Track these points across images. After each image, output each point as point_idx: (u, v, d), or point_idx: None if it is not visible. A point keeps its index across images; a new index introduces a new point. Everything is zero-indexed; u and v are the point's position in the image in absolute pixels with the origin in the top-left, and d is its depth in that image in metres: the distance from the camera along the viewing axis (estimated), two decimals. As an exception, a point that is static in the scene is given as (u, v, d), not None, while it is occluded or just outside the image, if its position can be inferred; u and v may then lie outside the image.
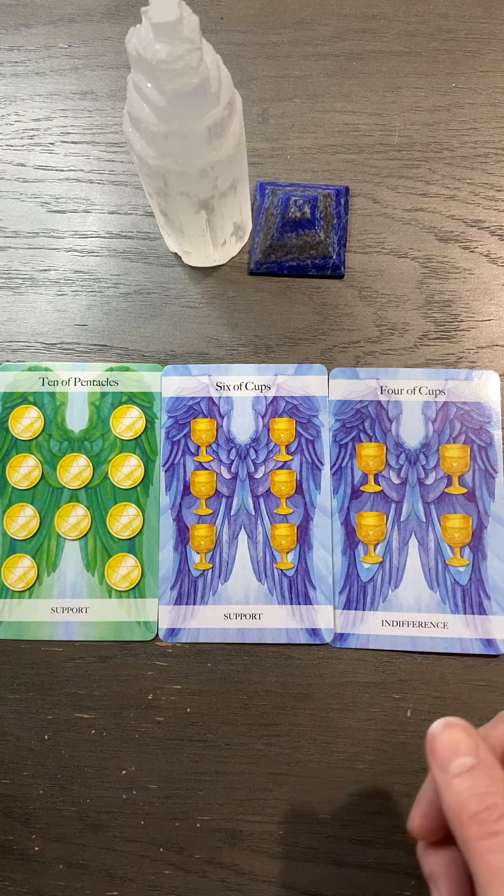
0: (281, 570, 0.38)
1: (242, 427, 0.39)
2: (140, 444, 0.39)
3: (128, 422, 0.40)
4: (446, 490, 0.38)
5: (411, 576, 0.37)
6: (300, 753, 0.36)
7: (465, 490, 0.38)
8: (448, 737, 0.23)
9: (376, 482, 0.38)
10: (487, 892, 0.20)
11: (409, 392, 0.39)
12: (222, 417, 0.39)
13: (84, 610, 0.38)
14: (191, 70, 0.27)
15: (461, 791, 0.22)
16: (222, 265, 0.42)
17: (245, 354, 0.40)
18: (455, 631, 0.37)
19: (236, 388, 0.40)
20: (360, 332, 0.40)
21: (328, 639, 0.37)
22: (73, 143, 0.44)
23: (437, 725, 0.23)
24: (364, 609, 0.37)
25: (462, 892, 0.23)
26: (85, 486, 0.39)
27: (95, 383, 0.40)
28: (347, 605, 0.37)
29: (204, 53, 0.27)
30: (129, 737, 0.36)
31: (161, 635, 0.37)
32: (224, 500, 0.39)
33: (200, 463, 0.39)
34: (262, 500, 0.39)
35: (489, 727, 0.24)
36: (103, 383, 0.40)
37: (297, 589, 0.37)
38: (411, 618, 0.37)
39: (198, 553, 0.38)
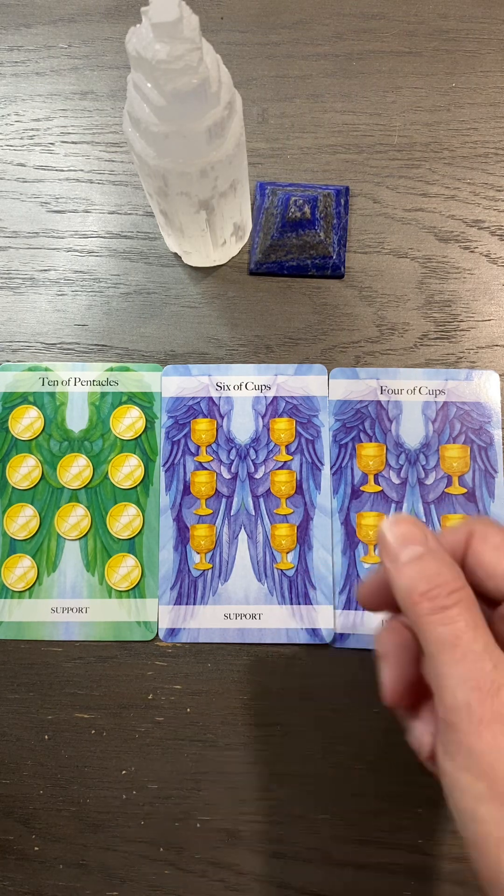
0: (281, 570, 0.38)
1: (242, 427, 0.39)
2: (140, 444, 0.39)
3: (128, 422, 0.40)
4: (446, 490, 0.38)
5: (411, 576, 0.37)
6: (300, 753, 0.36)
7: (465, 490, 0.38)
8: (398, 529, 0.24)
9: (376, 482, 0.38)
10: (436, 661, 0.22)
11: (409, 392, 0.39)
12: (222, 417, 0.39)
13: (84, 610, 0.38)
14: (191, 70, 0.27)
15: (412, 575, 0.23)
16: (222, 265, 0.42)
17: (245, 354, 0.40)
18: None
19: (236, 388, 0.40)
20: (360, 332, 0.40)
21: (328, 639, 0.37)
22: (73, 143, 0.44)
23: (387, 521, 0.24)
24: (365, 609, 0.37)
25: (408, 667, 0.25)
26: (85, 486, 0.39)
27: (95, 383, 0.40)
28: (348, 605, 0.37)
29: (204, 53, 0.27)
30: (129, 737, 0.36)
31: (161, 635, 0.37)
32: (224, 500, 0.39)
33: (200, 463, 0.39)
34: (262, 500, 0.39)
35: (439, 535, 0.25)
36: (103, 383, 0.40)
37: (297, 589, 0.37)
38: (411, 618, 0.37)
39: (198, 553, 0.38)
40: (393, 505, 0.38)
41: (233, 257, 0.42)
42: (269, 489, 0.39)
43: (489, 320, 0.40)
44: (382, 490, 0.38)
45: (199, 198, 0.33)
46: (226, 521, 0.38)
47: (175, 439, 0.39)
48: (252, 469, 0.39)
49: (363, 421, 0.39)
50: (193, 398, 0.40)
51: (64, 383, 0.40)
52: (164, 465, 0.39)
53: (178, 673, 0.37)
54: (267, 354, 0.40)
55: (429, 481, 0.38)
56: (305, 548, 0.38)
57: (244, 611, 0.37)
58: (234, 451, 0.39)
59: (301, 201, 0.40)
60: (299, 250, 0.40)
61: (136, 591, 0.38)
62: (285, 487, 0.38)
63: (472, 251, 0.41)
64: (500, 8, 0.45)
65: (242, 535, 0.38)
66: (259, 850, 0.35)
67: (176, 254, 0.42)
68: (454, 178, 0.43)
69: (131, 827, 0.36)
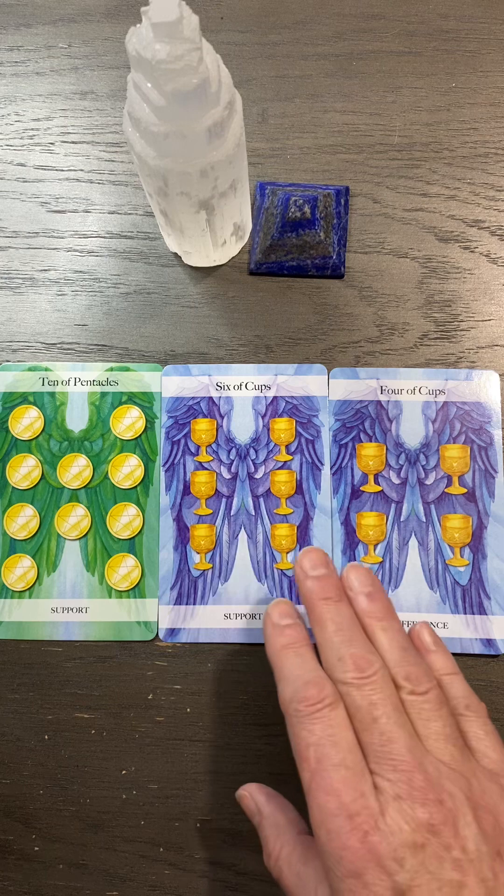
0: (281, 570, 0.38)
1: (242, 427, 0.39)
2: (140, 444, 0.39)
3: (128, 422, 0.40)
4: (446, 490, 0.38)
5: (411, 576, 0.37)
6: (300, 753, 0.36)
7: (465, 490, 0.38)
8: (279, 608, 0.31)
9: (376, 482, 0.38)
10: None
11: (409, 392, 0.39)
12: (222, 417, 0.39)
13: (84, 610, 0.38)
14: (191, 70, 0.27)
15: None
16: (222, 265, 0.42)
17: (245, 354, 0.40)
18: (455, 631, 0.37)
19: (236, 388, 0.40)
20: (360, 332, 0.40)
21: (328, 639, 0.37)
22: (73, 143, 0.44)
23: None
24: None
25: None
26: (85, 486, 0.39)
27: (95, 383, 0.40)
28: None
29: (204, 53, 0.27)
30: (129, 737, 0.36)
31: (161, 635, 0.37)
32: (224, 500, 0.39)
33: (200, 463, 0.39)
34: (262, 500, 0.39)
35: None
36: (103, 383, 0.40)
37: (296, 589, 0.37)
38: (412, 618, 0.37)
39: (198, 553, 0.38)
40: (393, 505, 0.38)
41: (233, 257, 0.42)
42: (269, 489, 0.39)
43: (489, 320, 0.40)
44: (382, 490, 0.38)
45: (199, 198, 0.33)
46: (226, 521, 0.38)
47: (175, 439, 0.39)
48: (252, 469, 0.39)
49: (363, 421, 0.39)
50: (193, 398, 0.40)
51: (64, 383, 0.40)
52: (164, 465, 0.39)
53: (178, 673, 0.37)
54: (267, 354, 0.40)
55: (429, 481, 0.38)
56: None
57: (244, 611, 0.37)
58: (234, 451, 0.39)
59: (301, 201, 0.40)
60: (299, 250, 0.40)
61: (136, 591, 0.38)
62: (285, 487, 0.38)
63: (472, 251, 0.41)
64: (500, 8, 0.45)
65: (242, 535, 0.38)
66: (259, 850, 0.35)
67: (176, 254, 0.42)
68: (454, 178, 0.43)
69: (131, 827, 0.36)
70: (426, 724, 0.26)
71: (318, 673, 0.28)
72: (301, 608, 0.31)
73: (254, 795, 0.31)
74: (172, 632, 0.37)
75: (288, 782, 0.36)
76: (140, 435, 0.40)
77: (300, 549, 0.38)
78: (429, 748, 0.26)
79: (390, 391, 0.39)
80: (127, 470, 0.39)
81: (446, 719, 0.27)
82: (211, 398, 0.40)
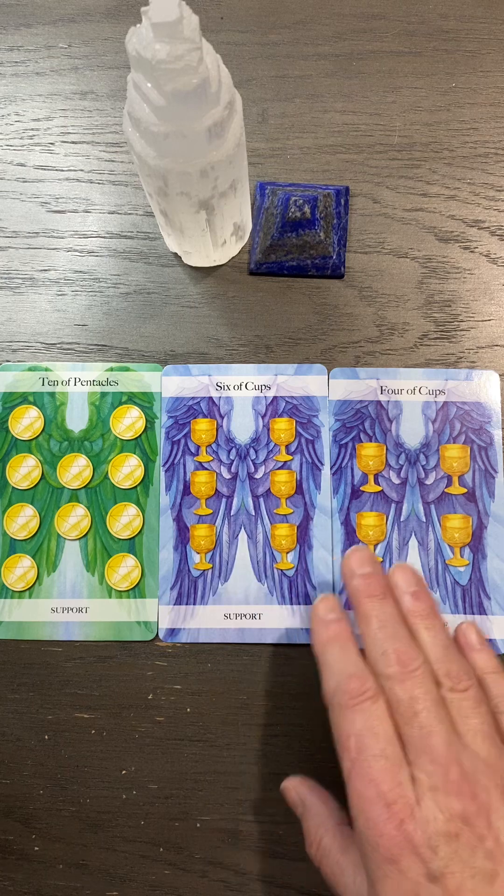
0: (281, 570, 0.38)
1: (242, 427, 0.39)
2: (140, 444, 0.39)
3: (128, 422, 0.40)
4: (446, 490, 0.38)
5: (411, 576, 0.37)
6: (300, 753, 0.36)
7: (465, 490, 0.38)
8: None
9: (376, 482, 0.38)
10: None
11: (409, 392, 0.39)
12: (222, 417, 0.39)
13: (84, 610, 0.38)
14: (191, 70, 0.27)
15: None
16: (222, 265, 0.42)
17: (245, 354, 0.40)
18: (455, 631, 0.37)
19: (236, 388, 0.40)
20: (360, 332, 0.40)
21: (328, 639, 0.37)
22: (73, 143, 0.44)
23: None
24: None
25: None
26: (85, 486, 0.39)
27: (95, 383, 0.40)
28: (348, 606, 0.37)
29: (204, 53, 0.27)
30: (129, 737, 0.36)
31: (161, 635, 0.37)
32: (224, 500, 0.39)
33: (200, 463, 0.39)
34: (262, 500, 0.39)
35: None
36: (103, 383, 0.40)
37: (297, 589, 0.37)
38: (411, 618, 0.37)
39: (198, 553, 0.38)
40: (393, 505, 0.38)
41: (233, 257, 0.42)
42: (269, 489, 0.39)
43: (489, 320, 0.40)
44: (382, 490, 0.38)
45: (199, 198, 0.33)
46: (226, 521, 0.38)
47: (175, 439, 0.39)
48: (252, 469, 0.39)
49: (363, 421, 0.39)
50: (193, 398, 0.40)
51: (64, 383, 0.40)
52: (164, 465, 0.39)
53: (178, 673, 0.37)
54: (267, 354, 0.40)
55: (429, 481, 0.38)
56: (305, 548, 0.38)
57: (244, 611, 0.37)
58: (234, 451, 0.39)
59: (301, 201, 0.40)
60: (299, 250, 0.40)
61: (136, 591, 0.38)
62: (285, 487, 0.38)
63: (472, 251, 0.41)
64: (500, 8, 0.45)
65: (242, 535, 0.38)
66: (259, 850, 0.35)
67: (176, 254, 0.42)
68: (454, 178, 0.43)
69: (131, 827, 0.36)
70: (465, 720, 0.27)
71: (360, 666, 0.29)
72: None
73: (297, 788, 0.31)
74: (172, 632, 0.37)
75: (288, 782, 0.36)
76: (140, 435, 0.40)
77: (300, 549, 0.38)
78: (466, 743, 0.27)
79: (390, 391, 0.39)
80: (127, 470, 0.39)
81: (485, 716, 0.28)
82: (211, 398, 0.40)
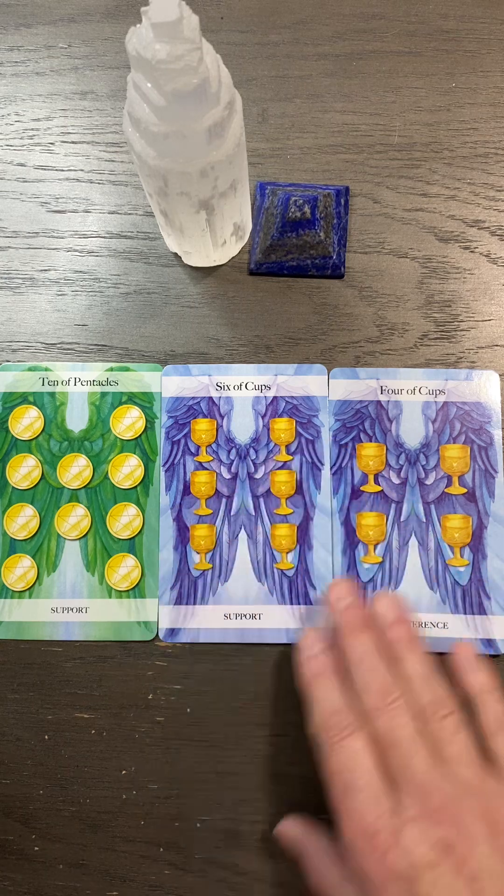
0: (281, 570, 0.38)
1: (242, 427, 0.39)
2: (140, 444, 0.39)
3: (128, 422, 0.40)
4: (446, 490, 0.38)
5: (411, 576, 0.37)
6: (300, 753, 0.36)
7: (465, 490, 0.38)
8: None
9: (376, 482, 0.38)
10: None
11: (409, 392, 0.39)
12: (222, 417, 0.39)
13: (84, 610, 0.38)
14: (191, 70, 0.27)
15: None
16: (222, 265, 0.42)
17: (245, 354, 0.40)
18: (455, 631, 0.37)
19: (236, 388, 0.40)
20: (360, 332, 0.40)
21: (328, 639, 0.37)
22: (73, 143, 0.44)
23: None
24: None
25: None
26: (85, 486, 0.39)
27: (95, 383, 0.40)
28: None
29: (204, 53, 0.27)
30: (129, 737, 0.36)
31: (161, 635, 0.37)
32: (224, 500, 0.39)
33: (200, 463, 0.39)
34: (262, 500, 0.39)
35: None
36: (103, 383, 0.40)
37: (297, 589, 0.37)
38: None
39: (198, 553, 0.38)
40: (393, 505, 0.38)
41: (233, 257, 0.42)
42: (269, 489, 0.39)
43: (489, 320, 0.40)
44: (382, 490, 0.38)
45: (199, 198, 0.33)
46: (226, 521, 0.38)
47: (175, 439, 0.39)
48: (252, 469, 0.39)
49: (363, 421, 0.39)
50: (193, 398, 0.40)
51: (64, 383, 0.40)
52: (164, 465, 0.39)
53: (178, 673, 0.37)
54: (267, 354, 0.40)
55: (429, 481, 0.38)
56: (305, 548, 0.38)
57: (244, 611, 0.37)
58: (234, 451, 0.39)
59: (301, 201, 0.40)
60: (299, 250, 0.40)
61: (136, 591, 0.38)
62: (285, 487, 0.38)
63: (472, 251, 0.41)
64: (500, 8, 0.45)
65: (242, 535, 0.38)
66: (259, 850, 0.35)
67: (176, 254, 0.42)
68: (454, 178, 0.43)
69: (131, 827, 0.36)
70: (447, 746, 0.28)
71: (341, 703, 0.29)
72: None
73: (291, 832, 0.32)
74: (172, 632, 0.37)
75: (287, 783, 0.36)
76: (140, 435, 0.40)
77: (300, 549, 0.38)
78: (449, 770, 0.27)
79: (390, 391, 0.39)
80: (127, 470, 0.39)
81: (465, 742, 0.28)
82: (211, 398, 0.40)
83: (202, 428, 0.39)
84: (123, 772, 0.36)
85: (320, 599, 0.37)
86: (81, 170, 0.44)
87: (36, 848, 0.36)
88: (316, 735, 0.29)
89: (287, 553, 0.38)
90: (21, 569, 0.38)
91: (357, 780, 0.27)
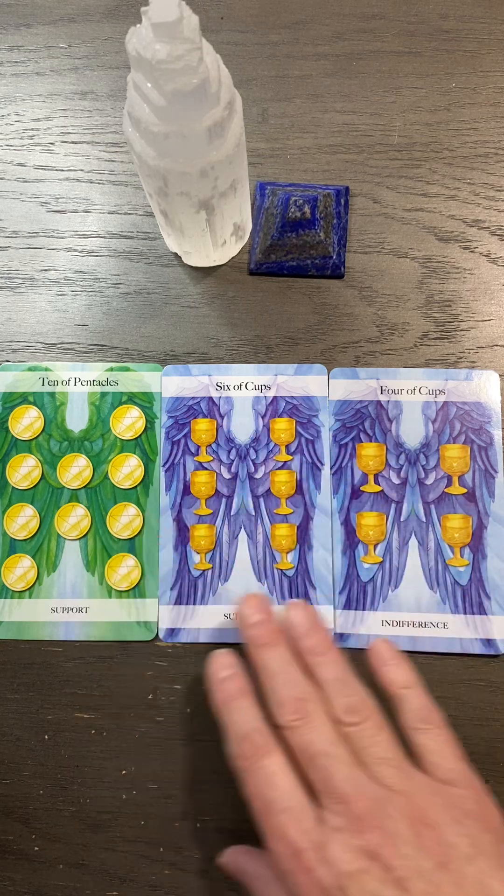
0: (281, 570, 0.38)
1: (242, 427, 0.39)
2: (140, 444, 0.39)
3: (128, 422, 0.40)
4: (446, 490, 0.38)
5: (411, 576, 0.37)
6: (300, 753, 0.36)
7: (465, 490, 0.38)
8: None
9: (376, 482, 0.38)
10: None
11: (409, 392, 0.39)
12: (222, 417, 0.39)
13: (84, 610, 0.38)
14: (191, 70, 0.27)
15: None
16: (222, 265, 0.42)
17: (245, 354, 0.40)
18: (455, 631, 0.37)
19: (236, 388, 0.40)
20: (360, 332, 0.40)
21: (328, 639, 0.37)
22: (73, 143, 0.44)
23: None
24: (364, 609, 0.37)
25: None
26: (85, 486, 0.39)
27: (95, 383, 0.40)
28: (347, 605, 0.37)
29: (204, 53, 0.27)
30: (129, 737, 0.36)
31: (161, 635, 0.37)
32: (224, 500, 0.39)
33: (200, 463, 0.39)
34: (262, 500, 0.39)
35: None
36: (103, 383, 0.40)
37: (296, 589, 0.37)
38: (411, 618, 0.37)
39: (198, 553, 0.38)
40: (393, 505, 0.38)
41: (233, 257, 0.42)
42: (269, 489, 0.39)
43: (489, 320, 0.40)
44: (382, 490, 0.38)
45: (199, 198, 0.33)
46: (226, 521, 0.38)
47: (175, 439, 0.39)
48: (252, 469, 0.39)
49: (363, 421, 0.39)
50: (193, 398, 0.40)
51: (64, 383, 0.40)
52: (164, 465, 0.39)
53: (178, 673, 0.37)
54: (267, 354, 0.40)
55: (429, 481, 0.38)
56: (305, 548, 0.38)
57: (244, 611, 0.37)
58: (234, 451, 0.39)
59: (301, 201, 0.40)
60: (299, 250, 0.40)
61: (136, 591, 0.38)
62: (285, 487, 0.38)
63: (472, 251, 0.41)
64: (500, 8, 0.45)
65: (242, 535, 0.38)
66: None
67: (176, 254, 0.42)
68: (454, 178, 0.43)
69: (131, 827, 0.36)
70: (366, 750, 0.28)
71: (252, 725, 0.29)
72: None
73: (233, 860, 0.31)
74: (172, 632, 0.37)
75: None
76: (140, 435, 0.40)
77: (300, 549, 0.38)
78: (372, 774, 0.27)
79: (390, 391, 0.39)
80: (127, 470, 0.39)
81: (386, 743, 0.28)
82: (211, 398, 0.40)
83: (202, 428, 0.39)
84: (123, 772, 0.36)
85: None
86: (81, 170, 0.44)
87: (36, 848, 0.36)
88: (233, 762, 0.29)
89: (287, 553, 0.38)
90: (21, 569, 0.38)
91: (276, 800, 0.27)
